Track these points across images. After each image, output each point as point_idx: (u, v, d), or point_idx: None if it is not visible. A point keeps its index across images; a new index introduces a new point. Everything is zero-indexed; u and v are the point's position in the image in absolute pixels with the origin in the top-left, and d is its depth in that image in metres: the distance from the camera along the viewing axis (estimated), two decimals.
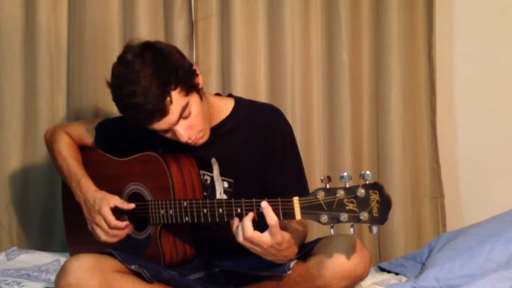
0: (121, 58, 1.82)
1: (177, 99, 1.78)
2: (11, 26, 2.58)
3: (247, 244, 1.68)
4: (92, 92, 2.56)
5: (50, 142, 2.17)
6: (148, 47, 1.81)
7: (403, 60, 2.66)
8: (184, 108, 1.80)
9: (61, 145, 2.12)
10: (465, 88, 2.78)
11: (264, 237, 1.66)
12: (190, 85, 1.82)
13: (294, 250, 1.76)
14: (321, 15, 2.64)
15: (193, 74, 1.85)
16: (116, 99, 1.82)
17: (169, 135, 1.86)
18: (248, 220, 1.66)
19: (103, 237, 1.94)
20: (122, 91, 1.78)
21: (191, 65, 1.88)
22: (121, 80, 1.78)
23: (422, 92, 2.70)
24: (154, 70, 1.76)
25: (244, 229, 1.66)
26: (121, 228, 1.93)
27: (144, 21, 2.56)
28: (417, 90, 2.70)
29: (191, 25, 2.61)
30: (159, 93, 1.75)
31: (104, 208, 1.92)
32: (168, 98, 1.76)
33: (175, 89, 1.78)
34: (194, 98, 1.83)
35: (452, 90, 2.79)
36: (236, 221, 1.69)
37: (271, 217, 1.64)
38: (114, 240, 1.94)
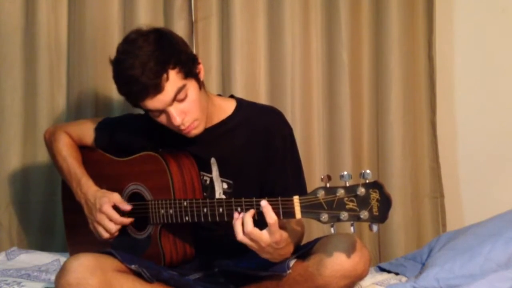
0: (126, 37, 1.85)
1: (174, 78, 1.78)
2: (11, 26, 2.58)
3: (246, 241, 1.68)
4: (92, 92, 2.57)
5: (49, 142, 2.17)
6: (154, 30, 1.84)
7: (403, 60, 2.66)
8: (180, 89, 1.80)
9: (61, 145, 2.12)
10: (465, 88, 2.78)
11: (263, 235, 1.67)
12: (189, 70, 1.82)
13: (290, 249, 1.77)
14: (321, 15, 2.64)
15: (195, 61, 1.86)
16: (115, 74, 1.83)
17: (163, 119, 1.85)
18: (249, 216, 1.67)
19: (105, 235, 1.94)
20: (122, 64, 1.79)
21: (194, 54, 1.89)
22: (123, 54, 1.81)
23: (422, 92, 2.70)
24: (155, 47, 1.78)
25: (245, 224, 1.67)
26: (126, 224, 1.94)
27: (144, 21, 2.52)
28: (417, 90, 2.70)
29: (191, 25, 2.61)
30: (157, 68, 1.76)
31: (106, 206, 1.92)
32: (165, 75, 1.77)
33: (173, 68, 1.78)
34: (192, 84, 1.83)
35: (452, 90, 2.79)
36: (237, 215, 1.70)
37: (270, 216, 1.64)
38: (113, 236, 1.95)
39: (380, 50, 2.67)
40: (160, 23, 2.59)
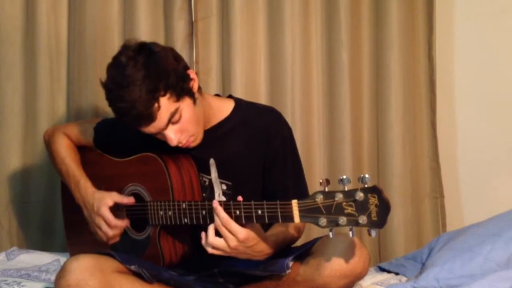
0: (115, 59, 1.82)
1: (165, 105, 1.77)
2: (11, 26, 2.58)
3: (217, 252, 1.71)
4: (92, 92, 2.56)
5: (49, 144, 2.17)
6: (143, 50, 1.80)
7: (403, 60, 2.66)
8: (173, 113, 1.79)
9: (60, 147, 2.12)
10: (465, 88, 2.78)
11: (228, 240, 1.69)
12: (181, 90, 1.80)
13: (266, 245, 1.75)
14: (321, 15, 2.64)
15: (186, 78, 1.83)
16: (107, 99, 1.82)
17: (160, 137, 1.86)
18: (211, 229, 1.70)
19: (104, 238, 1.94)
20: (112, 94, 1.78)
21: (186, 68, 1.86)
22: (112, 83, 1.79)
23: (422, 92, 2.70)
24: (144, 75, 1.74)
25: (204, 238, 1.70)
26: (122, 227, 1.94)
27: (144, 21, 2.56)
28: (417, 90, 2.70)
29: (191, 25, 2.61)
30: (147, 99, 1.74)
31: (103, 208, 1.92)
32: (156, 105, 1.75)
33: (164, 95, 1.76)
34: (185, 103, 1.81)
35: (452, 90, 2.79)
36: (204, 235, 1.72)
37: (221, 217, 1.67)
38: (115, 239, 1.94)
39: (380, 50, 2.68)
40: (160, 23, 2.59)
